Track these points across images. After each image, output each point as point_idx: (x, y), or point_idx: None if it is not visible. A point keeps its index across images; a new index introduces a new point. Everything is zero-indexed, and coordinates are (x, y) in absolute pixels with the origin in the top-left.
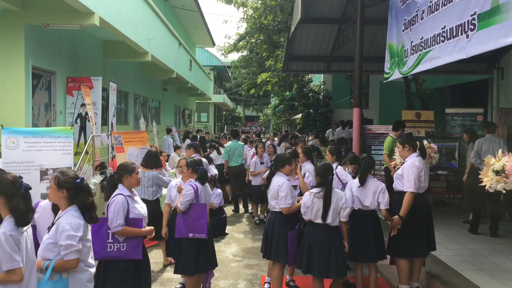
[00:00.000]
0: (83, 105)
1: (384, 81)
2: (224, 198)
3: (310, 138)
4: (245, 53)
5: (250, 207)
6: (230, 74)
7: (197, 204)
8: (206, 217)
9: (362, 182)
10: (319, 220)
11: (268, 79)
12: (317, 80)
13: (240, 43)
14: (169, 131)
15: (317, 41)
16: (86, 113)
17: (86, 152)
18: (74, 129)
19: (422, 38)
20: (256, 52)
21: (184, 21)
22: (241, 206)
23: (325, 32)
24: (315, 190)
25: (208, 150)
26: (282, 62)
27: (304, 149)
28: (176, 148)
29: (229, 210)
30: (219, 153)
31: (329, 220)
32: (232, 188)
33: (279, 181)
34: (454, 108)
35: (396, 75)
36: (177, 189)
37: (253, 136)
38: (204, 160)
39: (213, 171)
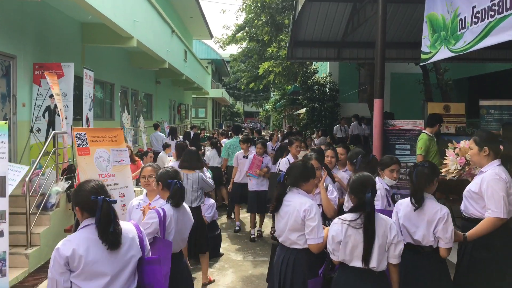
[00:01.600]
0: (52, 96)
1: (421, 63)
2: (219, 204)
3: (314, 136)
4: (244, 44)
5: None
6: (229, 68)
7: (161, 241)
8: (169, 263)
9: (419, 203)
10: (357, 263)
11: (270, 69)
12: (322, 71)
13: (239, 34)
14: (156, 126)
15: (327, 23)
16: (56, 106)
17: (47, 152)
18: (41, 125)
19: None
20: (256, 39)
21: (179, 10)
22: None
23: (337, 13)
24: (348, 216)
25: (202, 148)
26: (286, 49)
27: (317, 151)
28: (166, 146)
29: (223, 217)
30: (219, 153)
31: (373, 264)
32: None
33: (304, 204)
34: (490, 100)
35: (442, 54)
36: (144, 210)
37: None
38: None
39: (206, 174)
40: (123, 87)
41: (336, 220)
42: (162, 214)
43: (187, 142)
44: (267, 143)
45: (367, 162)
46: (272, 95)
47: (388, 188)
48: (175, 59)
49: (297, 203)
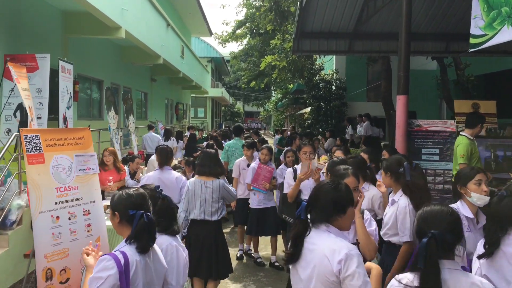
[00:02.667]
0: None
1: (470, 50)
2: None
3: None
4: (245, 41)
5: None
6: (229, 68)
7: None
8: None
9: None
10: None
11: (274, 63)
12: (328, 68)
13: (239, 31)
14: (150, 127)
15: (338, 12)
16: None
17: (5, 158)
18: (12, 125)
19: None
20: (258, 33)
21: (176, 5)
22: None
23: None
24: (406, 277)
25: (198, 150)
26: (292, 41)
27: (357, 163)
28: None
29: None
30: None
31: None
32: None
33: (338, 251)
34: None
35: (505, 35)
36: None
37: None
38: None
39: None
40: (113, 84)
41: (393, 282)
42: (122, 261)
43: (182, 142)
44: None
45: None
46: (273, 94)
47: (472, 216)
48: (171, 55)
49: (327, 249)
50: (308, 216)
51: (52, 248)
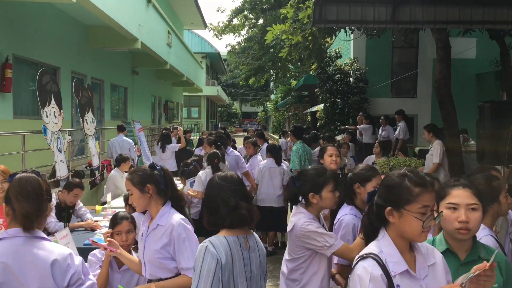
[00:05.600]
0: None
1: None
2: None
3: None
4: (243, 32)
5: None
6: (226, 66)
7: None
8: None
9: None
10: None
11: (284, 36)
12: (346, 56)
13: (236, 20)
14: (121, 129)
15: None
16: None
17: None
18: None
19: None
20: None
21: None
22: None
23: None
24: None
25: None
26: (311, 8)
27: None
28: (121, 160)
29: None
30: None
31: None
32: None
33: None
34: None
35: None
36: None
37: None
38: None
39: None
40: (76, 74)
41: None
42: None
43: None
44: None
45: None
46: (274, 92)
47: None
48: (154, 40)
49: None
50: None
51: None
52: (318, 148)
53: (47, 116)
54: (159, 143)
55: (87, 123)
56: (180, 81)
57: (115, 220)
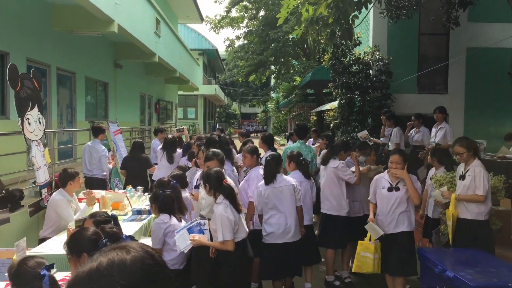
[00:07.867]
0: None
1: None
2: None
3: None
4: (243, 24)
5: None
6: (224, 66)
7: None
8: None
9: None
10: None
11: (306, 8)
12: (365, 44)
13: (235, 12)
14: (96, 131)
15: None
16: None
17: None
18: None
19: None
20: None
21: None
22: None
23: None
24: None
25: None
26: None
27: None
28: (67, 178)
29: None
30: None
31: None
32: None
33: None
34: None
35: None
36: None
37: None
38: None
39: None
40: (33, 62)
41: None
42: None
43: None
44: None
45: None
46: (275, 91)
47: None
48: (136, 25)
49: None
50: None
51: None
52: (348, 158)
53: (29, 123)
54: (165, 153)
55: (29, 123)
56: (172, 77)
57: None
